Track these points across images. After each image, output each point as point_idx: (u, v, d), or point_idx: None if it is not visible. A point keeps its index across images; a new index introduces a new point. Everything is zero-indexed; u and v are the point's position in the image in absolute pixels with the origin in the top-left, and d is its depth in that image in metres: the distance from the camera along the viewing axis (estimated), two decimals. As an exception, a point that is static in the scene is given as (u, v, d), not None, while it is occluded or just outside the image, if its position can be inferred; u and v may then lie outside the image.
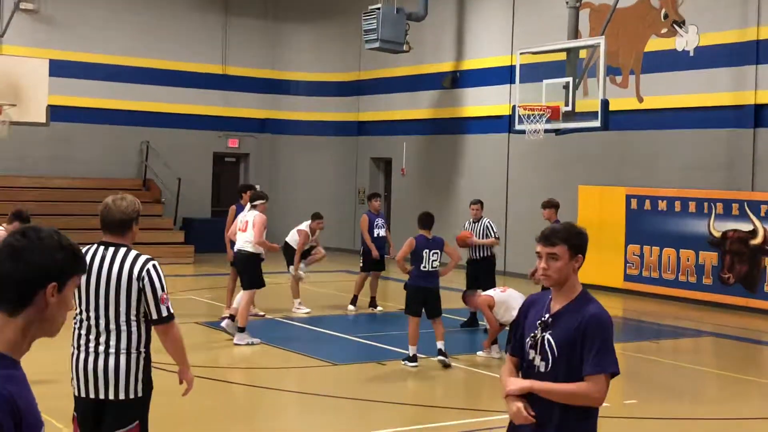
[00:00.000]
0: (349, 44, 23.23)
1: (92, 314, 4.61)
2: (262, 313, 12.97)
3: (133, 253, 4.61)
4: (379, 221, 13.76)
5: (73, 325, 4.75)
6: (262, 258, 11.29)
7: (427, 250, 9.96)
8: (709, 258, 15.18)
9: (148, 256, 4.64)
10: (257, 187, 22.56)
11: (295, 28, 24.21)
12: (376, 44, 19.22)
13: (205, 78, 22.91)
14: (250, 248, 11.02)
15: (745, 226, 14.67)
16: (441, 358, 9.89)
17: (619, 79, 16.82)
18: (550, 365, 3.63)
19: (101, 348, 4.59)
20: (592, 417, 3.64)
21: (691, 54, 15.88)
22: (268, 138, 23.93)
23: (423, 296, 9.98)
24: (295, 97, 24.11)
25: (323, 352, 10.62)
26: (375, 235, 13.66)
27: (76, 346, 4.69)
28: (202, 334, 11.58)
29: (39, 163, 21.00)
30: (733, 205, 14.88)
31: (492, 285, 12.18)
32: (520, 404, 3.61)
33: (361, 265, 13.93)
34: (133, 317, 4.58)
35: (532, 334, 3.68)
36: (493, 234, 12.68)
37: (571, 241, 3.65)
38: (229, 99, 23.22)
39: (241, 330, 10.84)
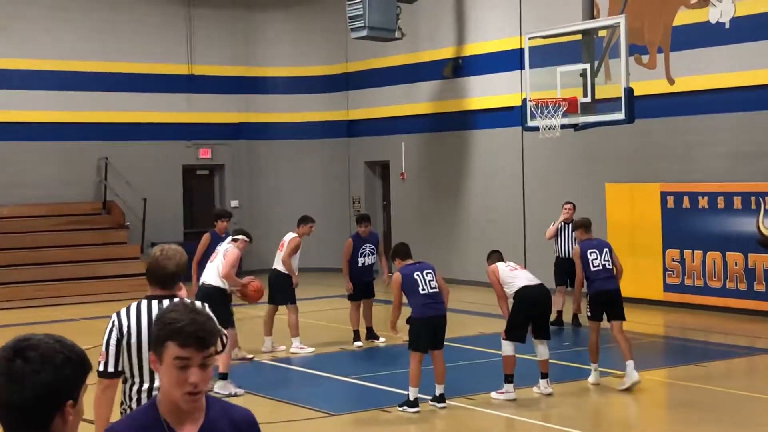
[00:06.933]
0: (334, 32, 23.15)
1: (147, 378, 4.77)
2: (251, 356, 12.83)
3: None
4: (366, 248, 13.64)
5: (123, 397, 4.87)
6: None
7: (419, 273, 9.86)
8: (761, 261, 15.10)
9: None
10: (234, 204, 22.79)
11: (270, 16, 24.15)
12: (364, 32, 19.15)
13: (169, 80, 22.85)
14: (218, 282, 10.90)
15: (801, 223, 14.60)
16: (434, 404, 9.74)
17: (645, 58, 16.73)
18: None
19: None
20: None
21: (727, 26, 15.78)
22: (244, 145, 23.88)
23: (432, 327, 9.78)
24: (274, 97, 24.05)
25: (316, 399, 10.55)
26: (360, 264, 13.60)
27: None
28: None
29: (-20, 191, 20.91)
30: (786, 198, 14.79)
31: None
32: None
33: (348, 294, 13.84)
34: None
35: None
36: None
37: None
38: (197, 103, 23.15)
39: (223, 377, 10.74)
